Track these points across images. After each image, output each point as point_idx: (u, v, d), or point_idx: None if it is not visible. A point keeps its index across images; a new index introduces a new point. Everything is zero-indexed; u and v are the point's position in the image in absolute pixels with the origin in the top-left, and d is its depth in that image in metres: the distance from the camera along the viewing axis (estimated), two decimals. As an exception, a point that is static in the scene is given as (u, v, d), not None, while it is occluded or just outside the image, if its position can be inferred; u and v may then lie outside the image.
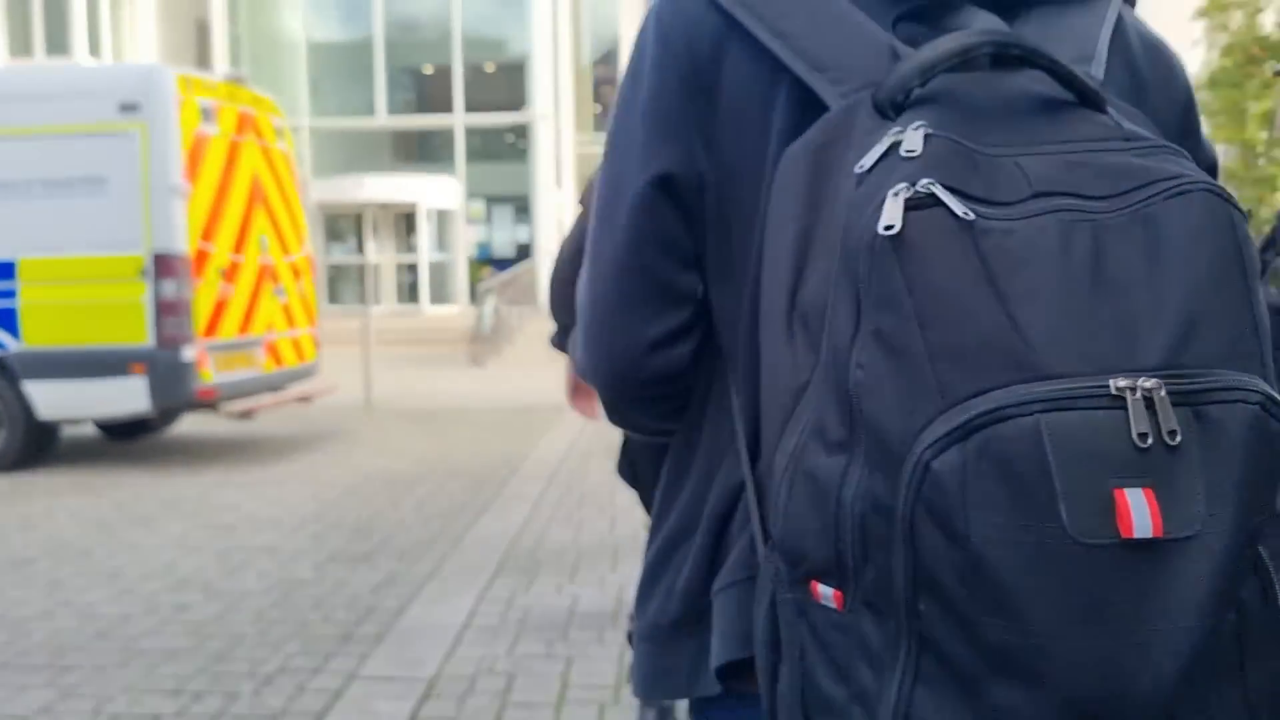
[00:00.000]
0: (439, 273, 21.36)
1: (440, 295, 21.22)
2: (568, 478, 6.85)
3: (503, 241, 22.03)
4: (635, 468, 2.76)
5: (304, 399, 8.08)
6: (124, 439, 8.28)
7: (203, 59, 21.39)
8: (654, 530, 0.93)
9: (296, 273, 7.87)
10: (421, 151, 22.73)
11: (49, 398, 6.80)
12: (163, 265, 6.60)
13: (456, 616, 3.90)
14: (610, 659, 3.50)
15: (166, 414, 7.35)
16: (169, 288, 6.60)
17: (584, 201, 2.82)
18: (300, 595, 4.24)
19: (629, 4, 22.75)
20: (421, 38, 22.28)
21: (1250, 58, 13.14)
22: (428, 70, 22.50)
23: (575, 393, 2.66)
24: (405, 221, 21.26)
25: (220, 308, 6.98)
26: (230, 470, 7.03)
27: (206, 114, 6.93)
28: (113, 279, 6.65)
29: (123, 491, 6.37)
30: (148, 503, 6.05)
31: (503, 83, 21.90)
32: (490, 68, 21.94)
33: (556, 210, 21.36)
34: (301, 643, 3.69)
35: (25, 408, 6.82)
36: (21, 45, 18.97)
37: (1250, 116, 14.54)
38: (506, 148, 22.36)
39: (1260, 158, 15.46)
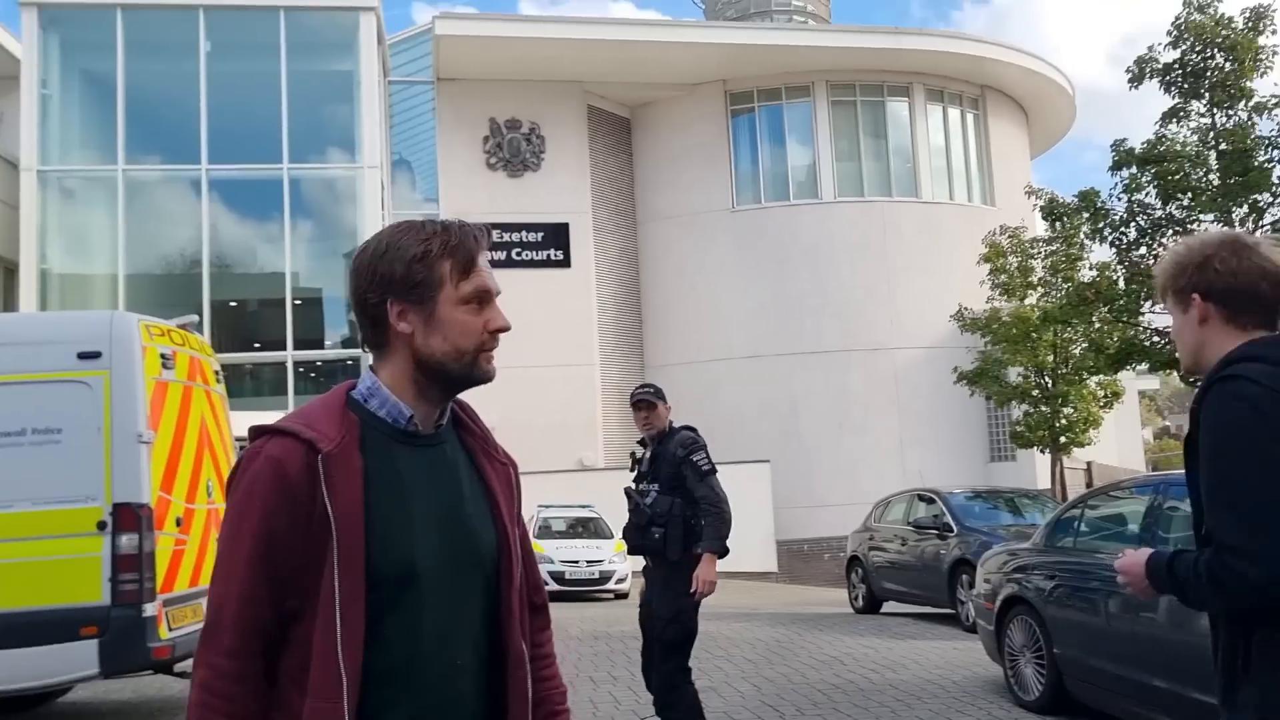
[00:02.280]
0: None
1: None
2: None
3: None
4: None
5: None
6: (11, 712, 7.41)
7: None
8: None
9: (235, 518, 7.59)
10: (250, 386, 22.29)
11: (-22, 669, 6.11)
12: (124, 517, 6.25)
13: None
14: None
15: (113, 677, 6.70)
16: (130, 541, 6.25)
17: None
18: None
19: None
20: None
21: (1083, 299, 15.59)
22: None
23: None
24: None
25: (176, 559, 6.64)
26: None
27: (166, 360, 6.84)
28: (65, 534, 6.22)
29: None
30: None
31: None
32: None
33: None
34: None
35: (-54, 682, 6.08)
36: None
37: (1041, 343, 17.12)
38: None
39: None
